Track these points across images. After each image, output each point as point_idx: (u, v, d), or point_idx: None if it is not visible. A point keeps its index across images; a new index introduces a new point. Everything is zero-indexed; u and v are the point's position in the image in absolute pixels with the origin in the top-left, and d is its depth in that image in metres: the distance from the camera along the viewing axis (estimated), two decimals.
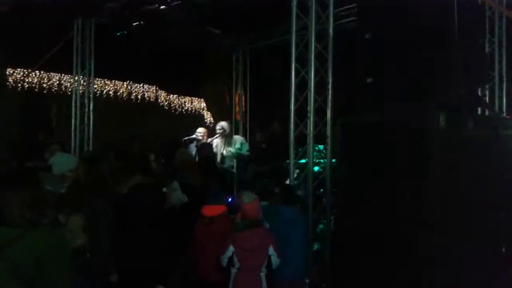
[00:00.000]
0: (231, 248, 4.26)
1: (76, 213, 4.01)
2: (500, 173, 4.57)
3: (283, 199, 5.19)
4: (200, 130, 8.66)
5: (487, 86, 7.74)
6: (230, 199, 5.87)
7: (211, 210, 4.76)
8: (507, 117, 7.86)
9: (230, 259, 4.28)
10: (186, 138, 8.38)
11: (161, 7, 8.44)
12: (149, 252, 4.50)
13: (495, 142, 4.53)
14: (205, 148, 8.03)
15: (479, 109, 6.08)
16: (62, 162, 4.78)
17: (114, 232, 4.29)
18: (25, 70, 12.89)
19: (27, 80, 13.02)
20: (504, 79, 8.22)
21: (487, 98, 7.90)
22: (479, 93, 5.92)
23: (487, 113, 6.45)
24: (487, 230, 4.35)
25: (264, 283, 4.32)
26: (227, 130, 8.57)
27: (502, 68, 8.23)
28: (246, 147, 8.64)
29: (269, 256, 4.32)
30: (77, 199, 4.20)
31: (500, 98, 8.20)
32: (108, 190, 4.49)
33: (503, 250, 4.53)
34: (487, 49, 7.84)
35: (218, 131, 8.54)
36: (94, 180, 4.41)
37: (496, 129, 4.56)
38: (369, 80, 4.64)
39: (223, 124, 8.66)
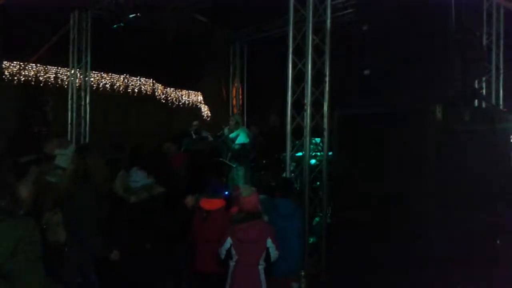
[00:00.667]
0: (228, 240, 4.26)
1: (54, 209, 4.02)
2: (496, 165, 4.58)
3: (281, 192, 5.19)
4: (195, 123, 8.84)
5: (484, 79, 7.73)
6: (226, 193, 5.88)
7: (209, 204, 4.75)
8: (504, 109, 7.86)
9: (228, 251, 4.27)
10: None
11: None
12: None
13: (491, 135, 4.53)
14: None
15: (476, 101, 6.09)
16: (70, 156, 4.77)
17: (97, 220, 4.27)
18: (21, 63, 12.81)
19: (23, 73, 12.94)
20: (501, 71, 8.21)
21: (484, 91, 7.90)
22: (476, 85, 5.92)
23: (483, 105, 6.45)
24: (484, 223, 4.36)
25: (262, 276, 4.32)
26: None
27: (499, 61, 8.22)
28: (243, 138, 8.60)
29: (267, 248, 4.31)
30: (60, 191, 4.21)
31: (497, 90, 8.19)
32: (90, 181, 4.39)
33: (498, 242, 4.54)
34: (484, 42, 7.83)
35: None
36: (76, 170, 4.36)
37: (493, 121, 4.56)
38: (366, 72, 4.63)
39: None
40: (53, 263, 3.83)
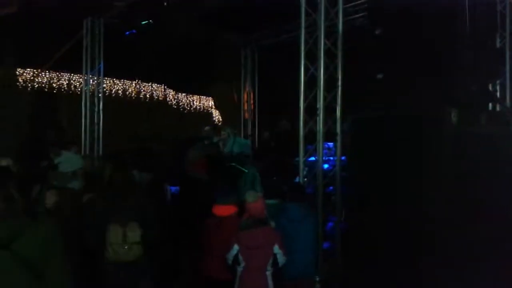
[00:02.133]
0: (235, 247, 4.25)
1: (132, 222, 4.00)
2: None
3: (292, 197, 5.16)
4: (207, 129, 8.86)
5: (498, 81, 7.64)
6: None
7: (222, 210, 4.72)
8: None
9: (235, 257, 4.27)
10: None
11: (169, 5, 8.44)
12: None
13: (507, 137, 4.48)
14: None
15: (491, 104, 6.03)
16: (73, 160, 4.87)
17: None
18: (34, 70, 12.97)
19: (36, 80, 13.09)
20: None
21: (498, 93, 7.81)
22: (491, 88, 5.87)
23: (498, 108, 6.38)
24: (496, 226, 4.30)
25: (270, 281, 4.30)
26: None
27: None
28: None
29: (275, 254, 4.30)
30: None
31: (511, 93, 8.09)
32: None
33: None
34: (498, 44, 7.75)
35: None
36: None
37: (508, 124, 4.51)
38: (379, 76, 4.61)
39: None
40: None
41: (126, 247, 3.91)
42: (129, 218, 3.99)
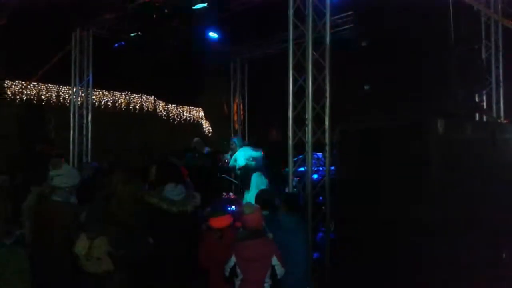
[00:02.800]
0: (232, 259, 4.22)
1: (101, 237, 3.99)
2: (498, 176, 4.57)
3: (287, 208, 5.14)
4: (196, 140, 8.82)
5: (484, 92, 7.74)
6: (232, 208, 5.84)
7: (220, 221, 4.69)
8: (505, 121, 7.87)
9: (233, 269, 4.23)
10: None
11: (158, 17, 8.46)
12: None
13: (492, 147, 4.53)
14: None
15: (477, 114, 6.10)
16: (74, 174, 4.80)
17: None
18: (23, 82, 12.91)
19: (25, 92, 13.03)
20: (501, 84, 8.23)
21: (484, 103, 7.91)
22: (477, 98, 5.94)
23: (484, 118, 6.46)
24: (487, 236, 4.34)
25: None
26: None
27: (499, 73, 8.24)
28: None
29: (273, 266, 4.27)
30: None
31: (497, 103, 8.20)
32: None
33: (504, 256, 4.52)
34: (484, 55, 7.87)
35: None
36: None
37: (494, 134, 4.57)
38: (366, 87, 4.66)
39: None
40: None
41: (90, 260, 3.90)
42: (98, 232, 3.98)
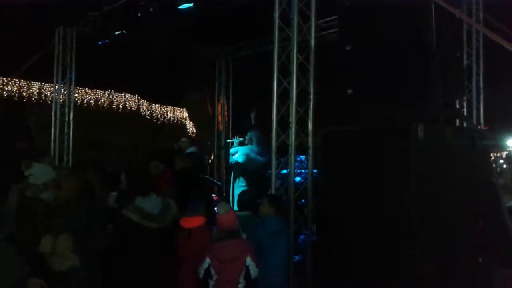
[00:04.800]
0: (207, 260, 4.23)
1: (64, 234, 3.97)
2: (477, 182, 4.65)
3: (272, 210, 5.15)
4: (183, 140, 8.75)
5: (464, 98, 7.87)
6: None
7: (190, 222, 4.69)
8: (485, 128, 8.00)
9: (207, 271, 4.24)
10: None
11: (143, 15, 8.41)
12: None
13: (472, 153, 4.61)
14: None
15: (457, 120, 6.19)
16: (45, 171, 4.83)
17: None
18: (4, 79, 12.72)
19: (6, 88, 12.83)
20: (482, 91, 8.37)
21: (465, 110, 8.03)
22: (457, 104, 6.03)
23: (464, 124, 6.56)
24: (465, 239, 4.41)
25: None
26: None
27: (479, 80, 8.37)
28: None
29: (247, 266, 4.28)
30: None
31: (478, 109, 8.34)
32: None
33: (480, 260, 4.59)
34: (464, 62, 7.99)
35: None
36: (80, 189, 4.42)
37: (473, 140, 4.64)
38: (349, 91, 4.70)
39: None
40: None
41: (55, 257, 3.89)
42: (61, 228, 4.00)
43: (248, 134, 8.61)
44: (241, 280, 4.27)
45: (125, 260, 4.48)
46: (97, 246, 4.22)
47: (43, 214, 4.38)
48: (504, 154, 21.33)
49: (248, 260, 4.26)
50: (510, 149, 20.65)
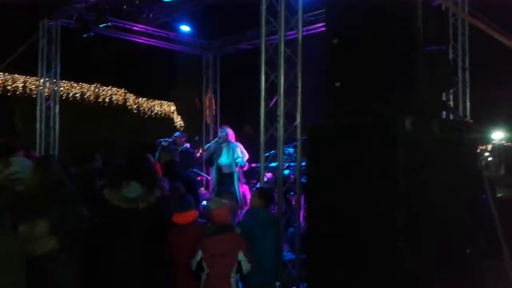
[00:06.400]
0: (199, 253, 4.23)
1: (40, 218, 3.98)
2: (464, 175, 4.69)
3: (263, 203, 5.16)
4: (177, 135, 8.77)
5: (451, 91, 7.94)
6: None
7: (183, 217, 4.65)
8: (471, 121, 8.08)
9: (199, 264, 4.24)
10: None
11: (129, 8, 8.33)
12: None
13: (459, 146, 4.64)
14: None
15: (444, 113, 6.24)
16: (25, 167, 4.81)
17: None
18: None
19: None
20: (468, 84, 8.46)
21: (451, 103, 8.10)
22: (444, 97, 6.07)
23: (451, 117, 6.61)
24: (453, 231, 4.44)
25: None
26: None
27: (465, 74, 8.46)
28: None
29: (239, 261, 4.28)
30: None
31: (464, 103, 8.43)
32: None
33: (468, 251, 4.63)
34: (450, 55, 8.06)
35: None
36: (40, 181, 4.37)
37: (461, 133, 4.67)
38: (337, 84, 4.69)
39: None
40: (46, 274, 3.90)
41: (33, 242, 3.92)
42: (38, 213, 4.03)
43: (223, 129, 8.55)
44: (233, 274, 4.27)
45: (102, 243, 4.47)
46: (75, 228, 4.20)
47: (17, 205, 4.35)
48: (489, 147, 21.63)
49: (240, 255, 4.26)
50: (495, 142, 20.94)
